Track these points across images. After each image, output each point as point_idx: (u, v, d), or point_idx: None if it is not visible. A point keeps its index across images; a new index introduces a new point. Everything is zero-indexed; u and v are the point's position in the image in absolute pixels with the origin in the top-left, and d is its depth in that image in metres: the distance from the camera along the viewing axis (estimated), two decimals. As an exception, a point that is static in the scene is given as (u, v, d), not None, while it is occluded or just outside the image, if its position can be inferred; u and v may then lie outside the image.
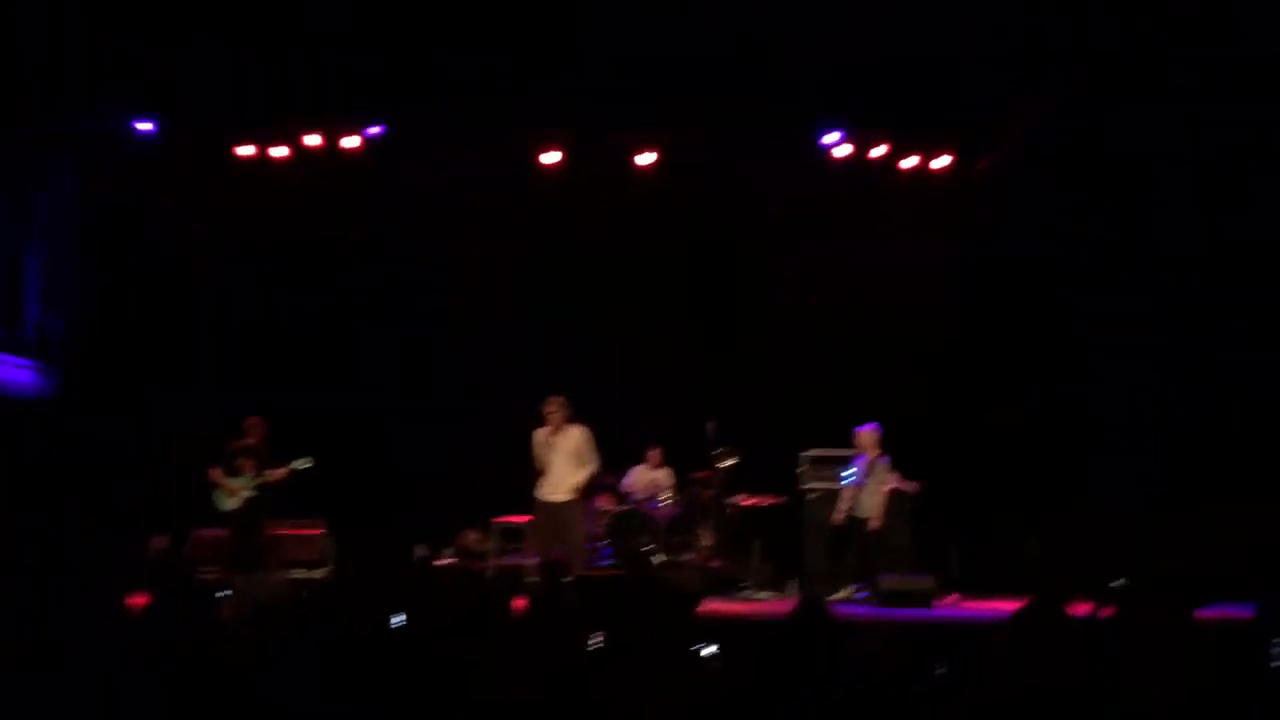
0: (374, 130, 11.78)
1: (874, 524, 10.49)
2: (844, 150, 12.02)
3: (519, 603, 5.26)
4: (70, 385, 11.65)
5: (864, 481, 10.61)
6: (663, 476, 11.91)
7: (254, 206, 12.14)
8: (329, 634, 4.49)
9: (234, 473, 10.30)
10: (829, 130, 11.93)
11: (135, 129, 11.58)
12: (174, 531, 11.32)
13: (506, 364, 12.33)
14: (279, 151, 11.91)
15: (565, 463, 9.83)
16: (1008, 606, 9.86)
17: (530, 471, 10.30)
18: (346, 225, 12.37)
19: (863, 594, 10.39)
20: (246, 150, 11.91)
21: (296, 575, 10.67)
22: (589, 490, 10.42)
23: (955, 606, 10.23)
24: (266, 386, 11.95)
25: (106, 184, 11.92)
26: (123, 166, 11.80)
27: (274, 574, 9.83)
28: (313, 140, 11.83)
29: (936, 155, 12.20)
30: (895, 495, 10.71)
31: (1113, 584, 8.38)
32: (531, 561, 11.04)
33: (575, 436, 9.91)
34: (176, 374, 12.13)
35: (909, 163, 12.20)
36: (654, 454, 11.98)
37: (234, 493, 10.28)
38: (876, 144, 12.04)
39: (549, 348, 12.33)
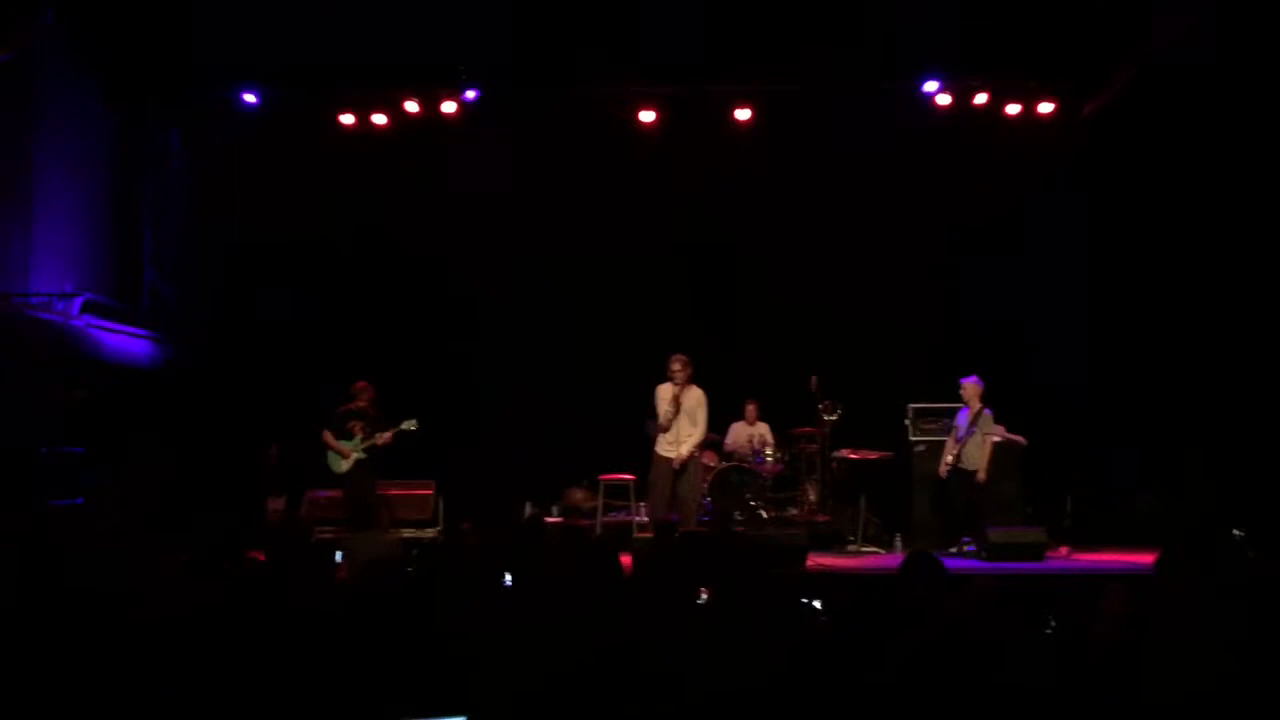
0: (469, 95, 11.89)
1: (980, 476, 10.36)
2: (944, 99, 11.80)
3: (625, 559, 5.31)
4: (185, 355, 11.99)
5: (967, 434, 10.47)
6: (762, 431, 11.89)
7: (354, 176, 12.36)
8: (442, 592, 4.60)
9: (344, 435, 10.52)
10: (927, 79, 11.72)
11: (241, 99, 11.86)
12: (290, 493, 11.66)
13: (612, 321, 12.41)
14: (379, 119, 12.11)
15: (686, 421, 9.83)
16: (1120, 559, 9.78)
17: (634, 429, 10.35)
18: (446, 190, 12.50)
19: (970, 547, 10.29)
20: (348, 119, 12.12)
21: (407, 534, 10.92)
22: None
23: (1067, 559, 10.09)
24: (375, 344, 12.21)
25: (215, 155, 12.20)
26: (229, 137, 12.07)
27: (386, 533, 10.05)
28: (411, 107, 12.02)
29: (1040, 102, 11.93)
30: (1004, 447, 10.58)
31: (1233, 533, 8.21)
32: (639, 518, 11.16)
33: (695, 397, 9.89)
34: (283, 340, 12.45)
35: (1013, 109, 11.95)
36: (750, 409, 11.95)
37: (345, 455, 10.52)
38: (977, 92, 11.81)
39: (651, 303, 12.38)
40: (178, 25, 10.83)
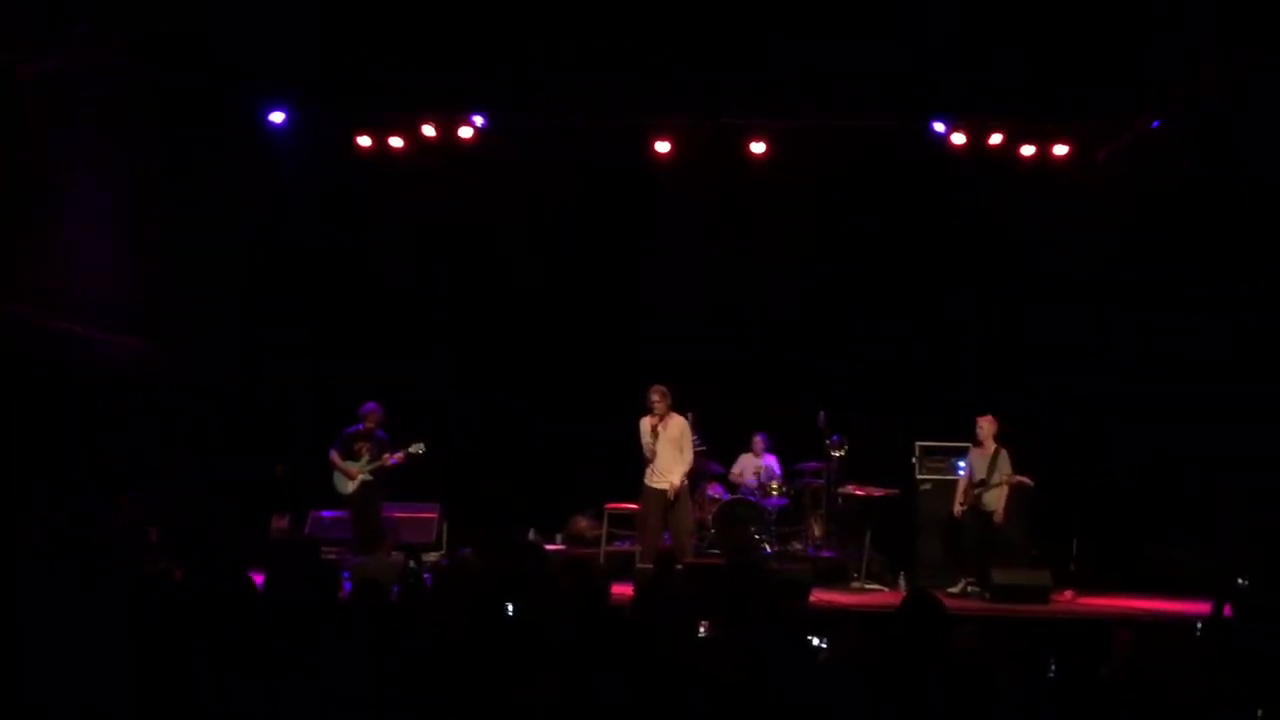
0: (479, 120, 11.91)
1: (999, 518, 10.29)
2: (959, 138, 11.78)
3: (625, 589, 5.30)
4: (200, 372, 12.00)
5: (987, 475, 10.39)
6: (770, 464, 11.84)
7: (372, 198, 12.48)
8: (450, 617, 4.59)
9: (351, 457, 10.53)
10: (938, 119, 11.72)
11: (267, 119, 11.93)
12: (295, 512, 11.66)
13: (621, 350, 12.42)
14: (396, 142, 12.15)
15: (669, 452, 9.91)
16: (1125, 604, 9.71)
17: (640, 459, 10.35)
18: (460, 215, 12.58)
19: (974, 588, 10.23)
20: (365, 141, 12.16)
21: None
22: (690, 480, 10.41)
23: (1071, 603, 10.02)
24: (382, 371, 12.22)
25: (238, 172, 12.23)
26: (251, 155, 12.12)
27: (390, 556, 10.03)
28: (428, 130, 12.05)
29: (1055, 143, 11.90)
30: (1014, 488, 10.53)
31: (1238, 582, 8.15)
32: (638, 548, 11.12)
33: (677, 426, 9.97)
34: (295, 360, 12.47)
35: (1028, 150, 11.92)
36: (758, 441, 11.89)
37: (351, 476, 10.51)
38: (992, 132, 11.80)
39: (660, 333, 12.39)
40: (207, 43, 10.89)
